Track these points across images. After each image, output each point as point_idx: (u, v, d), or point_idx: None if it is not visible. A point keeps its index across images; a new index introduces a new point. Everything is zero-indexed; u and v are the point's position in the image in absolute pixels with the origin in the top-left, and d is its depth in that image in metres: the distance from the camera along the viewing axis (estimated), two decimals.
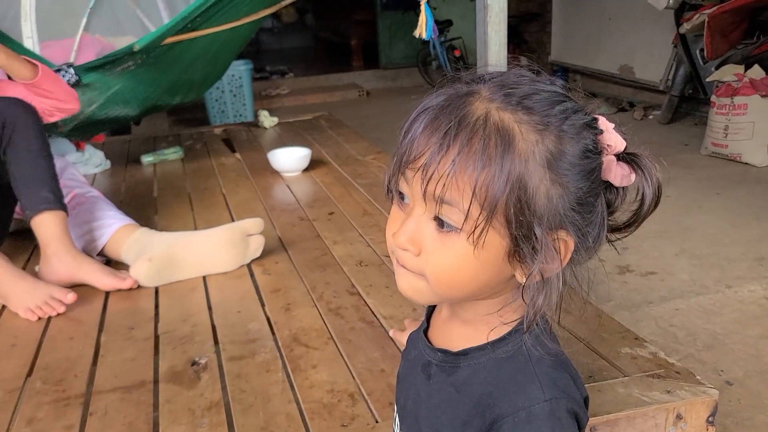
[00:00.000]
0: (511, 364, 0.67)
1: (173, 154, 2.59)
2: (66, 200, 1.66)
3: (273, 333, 1.29)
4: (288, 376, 1.13)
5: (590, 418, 0.98)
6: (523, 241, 0.62)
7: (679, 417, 1.01)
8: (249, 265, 1.59)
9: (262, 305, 1.40)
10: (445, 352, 0.73)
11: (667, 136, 5.05)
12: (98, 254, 1.63)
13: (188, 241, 1.57)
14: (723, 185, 3.92)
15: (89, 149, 2.46)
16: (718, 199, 3.74)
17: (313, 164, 2.34)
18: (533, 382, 0.66)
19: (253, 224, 1.59)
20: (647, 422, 1.01)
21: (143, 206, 2.05)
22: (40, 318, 1.38)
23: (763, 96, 4.00)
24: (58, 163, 1.74)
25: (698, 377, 1.06)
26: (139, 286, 1.50)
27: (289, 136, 2.86)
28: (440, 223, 0.62)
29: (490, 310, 0.69)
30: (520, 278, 0.65)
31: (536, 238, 0.62)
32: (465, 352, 0.71)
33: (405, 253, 0.64)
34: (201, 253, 1.55)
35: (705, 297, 2.71)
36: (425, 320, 0.79)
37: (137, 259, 1.52)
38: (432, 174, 0.61)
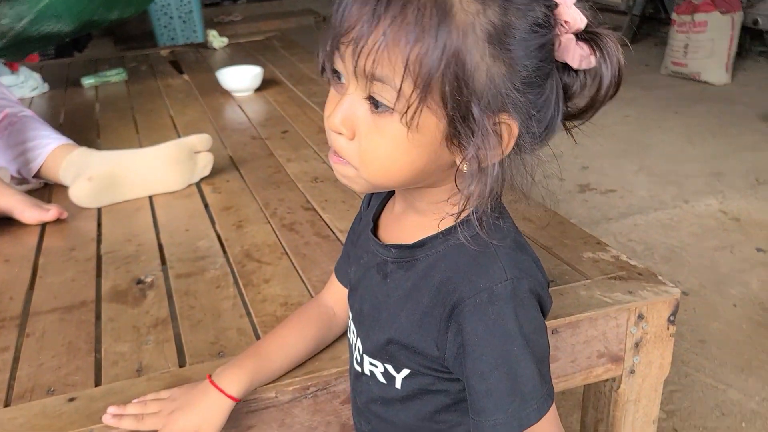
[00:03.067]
0: (471, 249, 0.63)
1: (116, 75, 2.45)
2: None
3: (224, 250, 1.22)
4: (239, 291, 1.08)
5: (553, 320, 0.96)
6: (460, 122, 0.57)
7: (640, 317, 1.00)
8: (198, 184, 1.51)
9: (212, 223, 1.34)
10: (399, 247, 0.68)
11: (627, 56, 5.00)
12: (35, 176, 1.53)
13: (131, 158, 1.47)
14: (682, 104, 3.93)
15: (24, 71, 2.30)
16: (677, 118, 3.75)
17: (266, 84, 2.23)
18: (495, 263, 0.62)
19: (200, 140, 1.51)
20: (609, 323, 0.99)
21: (84, 129, 1.93)
22: None
23: (723, 12, 3.96)
24: None
25: (660, 277, 1.04)
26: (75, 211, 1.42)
27: (240, 56, 2.73)
28: (374, 102, 0.57)
29: (440, 198, 0.64)
30: (460, 165, 0.60)
31: (474, 119, 0.57)
32: (421, 243, 0.66)
33: (339, 138, 0.60)
34: (145, 171, 1.46)
35: (663, 212, 2.74)
36: (370, 220, 0.74)
37: (76, 178, 1.43)
38: (362, 47, 0.55)
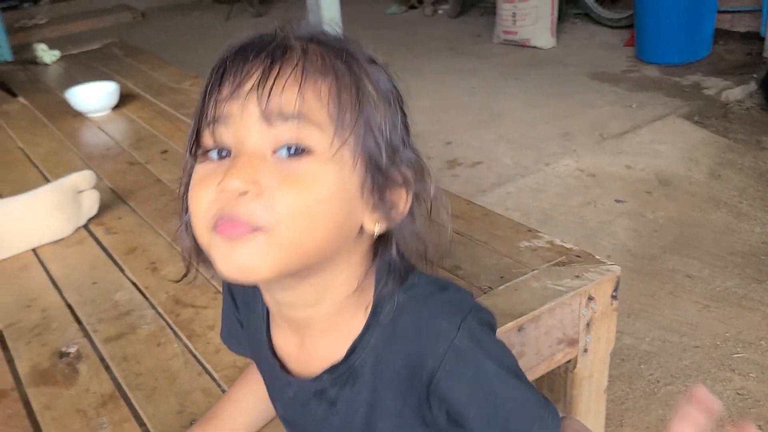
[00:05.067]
0: (405, 322, 0.60)
1: None
2: None
3: (147, 299, 1.11)
4: (185, 345, 0.99)
5: (517, 319, 0.97)
6: (374, 169, 0.56)
7: (590, 298, 1.05)
8: (87, 227, 1.36)
9: (121, 270, 1.21)
10: (331, 370, 0.62)
11: (459, 29, 5.21)
12: None
13: (2, 212, 1.29)
14: (518, 70, 4.16)
15: None
16: (517, 84, 3.96)
17: (123, 100, 2.05)
18: (437, 319, 0.60)
19: (82, 178, 1.35)
20: (564, 309, 1.02)
21: None
22: None
23: None
24: None
25: (597, 257, 1.10)
26: None
27: (79, 70, 2.47)
28: (289, 149, 0.53)
29: (349, 276, 0.60)
30: (370, 225, 0.58)
31: (387, 168, 0.57)
32: (353, 348, 0.61)
33: (240, 200, 0.51)
34: (23, 224, 1.29)
35: (529, 177, 2.89)
36: (269, 355, 0.66)
37: None
38: (272, 86, 0.53)
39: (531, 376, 1.03)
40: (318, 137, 0.53)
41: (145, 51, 2.69)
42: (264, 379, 0.73)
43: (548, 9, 4.32)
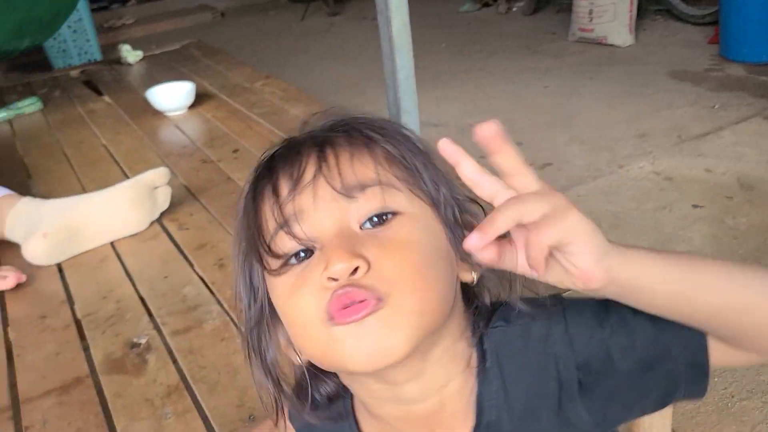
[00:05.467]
0: (506, 353, 0.59)
1: (30, 106, 2.26)
2: None
3: (214, 295, 1.15)
4: None
5: None
6: (449, 220, 0.56)
7: None
8: (161, 222, 1.42)
9: (191, 265, 1.25)
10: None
11: (534, 27, 5.12)
12: None
13: (86, 206, 1.36)
14: (594, 69, 4.05)
15: None
16: (593, 83, 3.86)
17: (199, 99, 2.12)
18: (529, 329, 0.58)
19: (158, 175, 1.41)
20: None
21: (11, 172, 1.77)
22: None
23: None
24: None
25: None
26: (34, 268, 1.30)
27: (160, 70, 2.58)
28: (373, 219, 0.52)
29: (466, 350, 0.58)
30: (466, 275, 0.57)
31: (458, 210, 0.56)
32: (479, 409, 0.58)
33: (353, 282, 0.48)
34: (104, 218, 1.36)
35: (602, 180, 2.82)
36: None
37: (29, 237, 1.31)
38: (337, 163, 0.52)
39: None
40: (399, 197, 0.53)
41: (221, 51, 2.78)
42: None
43: (627, 5, 4.18)
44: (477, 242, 0.43)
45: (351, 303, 0.48)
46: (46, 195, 1.47)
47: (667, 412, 1.12)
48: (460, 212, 0.57)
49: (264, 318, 0.57)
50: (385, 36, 1.75)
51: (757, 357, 0.57)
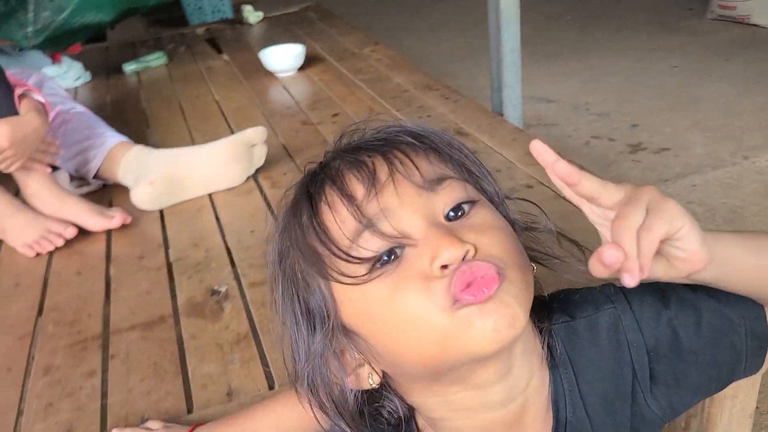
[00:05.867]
0: (574, 346, 0.60)
1: (156, 60, 2.41)
2: (49, 119, 1.52)
3: None
4: None
5: None
6: (499, 200, 0.58)
7: None
8: (256, 179, 1.49)
9: None
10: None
11: (668, 2, 4.80)
12: (94, 177, 1.52)
13: (189, 158, 1.45)
14: (731, 50, 3.75)
15: (66, 61, 2.28)
16: (727, 66, 3.58)
17: (309, 61, 2.18)
18: (594, 320, 0.60)
19: (256, 134, 1.47)
20: None
21: (132, 120, 1.91)
22: (38, 254, 1.29)
23: None
24: (34, 77, 1.59)
25: None
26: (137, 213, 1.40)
27: (277, 31, 2.66)
28: (454, 209, 0.52)
29: (538, 345, 0.59)
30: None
31: (506, 208, 0.59)
32: (555, 408, 0.59)
33: (470, 264, 0.49)
34: (204, 171, 1.44)
35: (722, 170, 2.64)
36: None
37: (137, 183, 1.41)
38: (411, 160, 0.53)
39: None
40: (471, 187, 0.55)
41: (335, 15, 2.82)
42: None
43: None
44: (613, 259, 0.45)
45: (474, 280, 0.48)
46: (159, 145, 1.58)
47: (745, 423, 1.07)
48: (508, 210, 0.59)
49: (332, 345, 0.53)
50: (493, 7, 1.72)
51: None
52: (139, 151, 1.50)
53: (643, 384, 0.59)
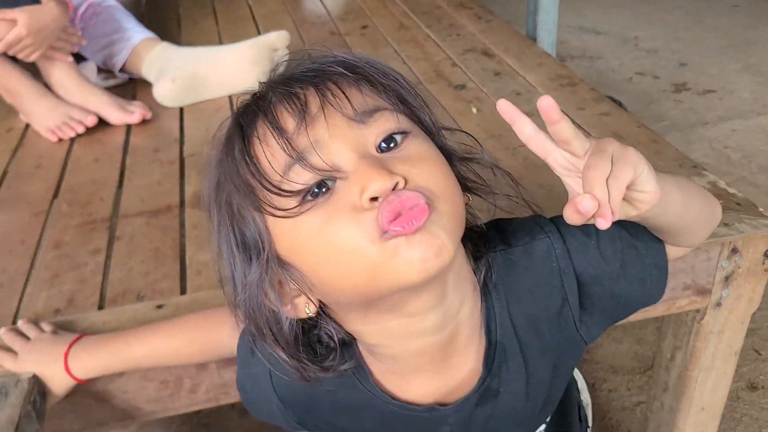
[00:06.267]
0: (510, 271, 0.62)
1: None
2: (80, 11, 1.54)
3: None
4: None
5: None
6: (439, 144, 0.58)
7: (734, 251, 0.94)
8: None
9: None
10: (485, 362, 0.62)
11: None
12: (120, 70, 1.55)
13: (212, 58, 1.46)
14: None
15: None
16: None
17: None
18: (528, 247, 0.63)
19: (278, 38, 1.47)
20: (699, 256, 0.94)
21: (166, 20, 1.92)
22: (60, 139, 1.34)
23: None
24: None
25: (761, 209, 0.98)
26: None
27: None
28: (386, 140, 0.52)
29: (471, 274, 0.61)
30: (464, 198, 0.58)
31: (443, 140, 0.59)
32: (487, 329, 0.62)
33: (399, 195, 0.49)
34: (225, 71, 1.45)
35: (766, 117, 2.54)
36: (411, 409, 0.63)
37: (160, 78, 1.44)
38: (343, 92, 0.52)
39: (645, 314, 0.98)
40: (404, 119, 0.55)
41: None
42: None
43: None
44: (589, 208, 0.47)
45: (402, 211, 0.48)
46: (186, 44, 1.59)
47: (729, 358, 1.07)
48: (444, 138, 0.60)
49: (268, 274, 0.54)
50: None
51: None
52: (163, 48, 1.51)
53: (573, 308, 0.63)
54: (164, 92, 1.42)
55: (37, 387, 0.76)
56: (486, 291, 0.61)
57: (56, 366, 0.76)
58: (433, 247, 0.48)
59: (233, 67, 1.46)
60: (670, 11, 3.42)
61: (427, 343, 0.58)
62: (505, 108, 0.49)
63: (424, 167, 0.51)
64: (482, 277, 0.61)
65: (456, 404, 0.63)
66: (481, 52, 1.58)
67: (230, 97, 1.46)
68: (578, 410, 0.90)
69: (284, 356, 0.58)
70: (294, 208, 0.50)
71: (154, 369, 0.82)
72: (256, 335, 0.58)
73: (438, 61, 1.54)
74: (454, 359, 0.61)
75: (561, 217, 0.59)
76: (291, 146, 0.50)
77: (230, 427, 1.57)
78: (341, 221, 0.49)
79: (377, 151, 0.52)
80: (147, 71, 1.50)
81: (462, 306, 0.59)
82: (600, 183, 0.47)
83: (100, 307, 0.89)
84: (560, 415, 0.78)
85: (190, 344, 0.77)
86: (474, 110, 1.32)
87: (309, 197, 0.50)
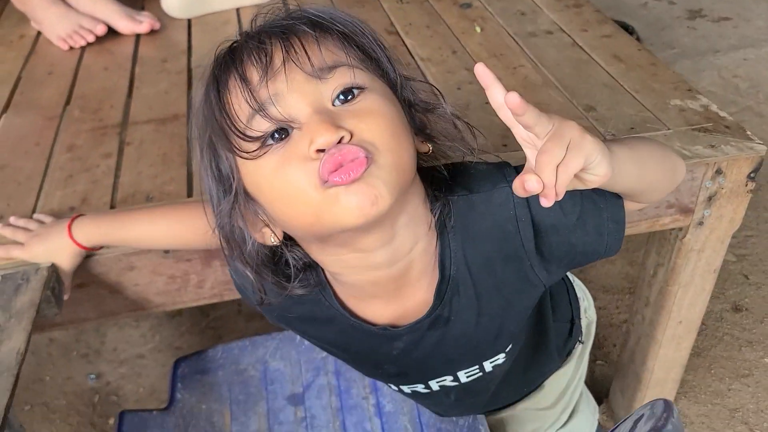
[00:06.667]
0: (468, 214, 0.66)
1: None
2: None
3: None
4: None
5: None
6: (401, 97, 0.62)
7: (718, 172, 0.98)
8: None
9: None
10: (437, 293, 0.68)
11: None
12: None
13: None
14: None
15: None
16: None
17: None
18: (488, 194, 0.67)
19: None
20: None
21: None
22: (71, 48, 1.36)
23: None
24: None
25: (748, 132, 1.00)
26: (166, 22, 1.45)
27: None
28: (344, 93, 0.57)
29: (426, 214, 0.66)
30: (422, 146, 0.64)
31: (409, 93, 0.63)
32: (442, 264, 0.67)
33: (342, 148, 0.54)
34: None
35: None
36: (366, 326, 0.71)
37: None
38: (304, 49, 0.56)
39: (629, 230, 1.02)
40: (362, 75, 0.59)
41: None
42: (357, 359, 0.82)
43: None
44: (534, 189, 0.51)
45: (342, 163, 0.54)
46: None
47: (708, 276, 1.13)
48: (410, 92, 0.64)
49: (237, 205, 0.61)
50: None
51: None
52: None
53: (529, 252, 0.67)
54: (173, 3, 1.44)
55: (55, 275, 0.83)
56: (443, 230, 0.67)
57: (61, 238, 0.83)
58: (369, 197, 0.54)
59: None
60: None
61: (379, 275, 0.66)
62: (482, 72, 0.52)
63: (371, 122, 0.56)
64: (438, 216, 0.66)
65: (408, 326, 0.71)
66: None
67: (237, 9, 1.47)
68: (571, 327, 0.97)
69: (248, 273, 0.66)
70: (255, 151, 0.57)
71: (163, 264, 0.88)
72: (228, 254, 0.67)
73: None
74: (407, 289, 0.69)
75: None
76: (254, 98, 0.56)
77: (236, 330, 1.66)
78: (291, 167, 0.56)
79: (333, 104, 0.57)
80: None
81: (414, 245, 0.65)
82: (550, 168, 0.50)
83: (112, 207, 0.94)
84: (531, 346, 0.85)
85: (185, 228, 0.83)
86: (477, 29, 1.33)
87: (270, 141, 0.57)
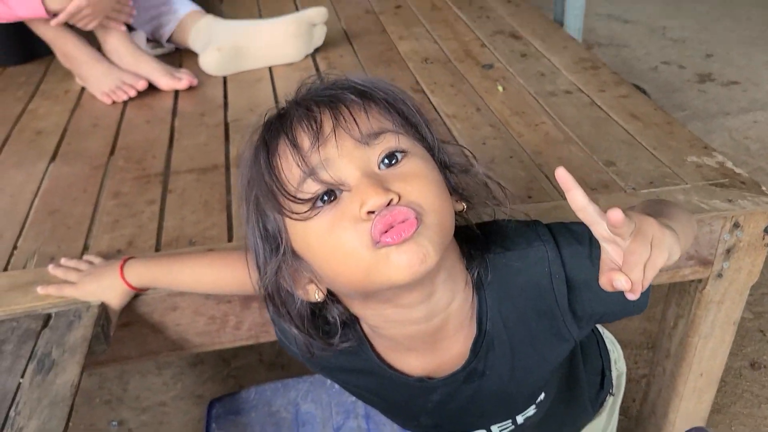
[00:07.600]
0: (504, 272, 0.69)
1: None
2: None
3: None
4: None
5: None
6: (438, 160, 0.67)
7: (736, 225, 1.02)
8: (314, 58, 1.59)
9: None
10: (473, 348, 0.71)
11: None
12: (167, 41, 1.64)
13: (254, 30, 1.55)
14: None
15: None
16: None
17: None
18: (524, 252, 0.70)
19: (317, 14, 1.56)
20: (702, 228, 1.02)
21: None
22: (114, 102, 1.44)
23: None
24: None
25: (764, 188, 1.05)
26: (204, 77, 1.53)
27: None
28: (388, 157, 0.61)
29: (462, 271, 0.69)
30: (457, 205, 0.68)
31: (444, 156, 0.67)
32: (479, 320, 0.70)
33: (393, 210, 0.57)
34: (267, 44, 1.54)
35: None
36: (404, 377, 0.74)
37: (206, 48, 1.53)
38: (353, 118, 0.60)
39: (652, 281, 1.06)
40: (405, 139, 0.63)
41: None
42: (395, 410, 0.85)
43: None
44: (622, 287, 0.53)
45: (393, 224, 0.56)
46: (228, 17, 1.68)
47: (728, 327, 1.15)
48: (446, 155, 0.68)
49: (285, 264, 0.64)
50: None
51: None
52: (209, 20, 1.61)
53: (562, 308, 0.70)
54: (210, 61, 1.52)
55: (105, 313, 0.87)
56: (480, 287, 0.70)
57: (113, 278, 0.87)
58: (418, 255, 0.57)
59: (274, 40, 1.55)
60: (700, 2, 3.44)
61: (417, 329, 0.69)
62: (563, 176, 0.53)
63: (416, 184, 0.60)
64: (476, 274, 0.69)
65: (443, 379, 0.74)
66: (509, 34, 1.65)
67: (270, 68, 1.55)
68: (602, 378, 1.00)
69: (295, 331, 0.69)
70: (305, 212, 0.59)
71: (204, 305, 0.93)
72: (273, 311, 0.69)
73: (467, 41, 1.62)
74: (444, 343, 0.71)
75: (557, 224, 0.71)
76: (305, 162, 0.59)
77: (257, 380, 1.68)
78: (343, 228, 0.58)
79: (379, 167, 0.61)
80: (193, 41, 1.59)
81: (452, 301, 0.68)
82: (639, 268, 0.52)
83: (157, 250, 0.99)
84: (564, 399, 0.88)
85: (230, 278, 0.87)
86: (500, 89, 1.40)
87: (318, 203, 0.59)
